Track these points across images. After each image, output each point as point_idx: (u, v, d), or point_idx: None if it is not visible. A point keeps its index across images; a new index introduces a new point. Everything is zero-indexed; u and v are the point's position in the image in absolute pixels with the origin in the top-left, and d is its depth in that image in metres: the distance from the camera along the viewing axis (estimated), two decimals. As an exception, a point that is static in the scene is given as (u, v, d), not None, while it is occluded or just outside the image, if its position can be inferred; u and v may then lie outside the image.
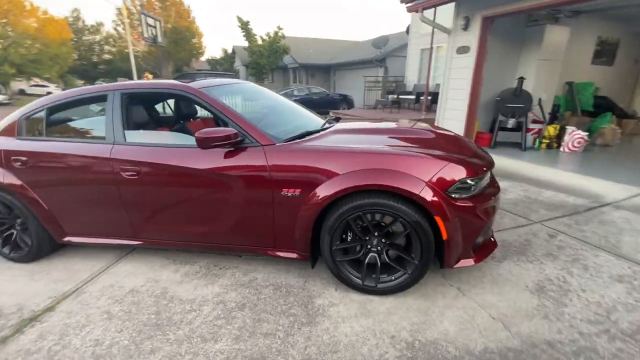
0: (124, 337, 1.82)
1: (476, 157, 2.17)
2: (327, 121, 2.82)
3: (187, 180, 2.14)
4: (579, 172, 4.19)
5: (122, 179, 2.20)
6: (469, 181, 1.90)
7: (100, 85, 2.43)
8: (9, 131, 2.52)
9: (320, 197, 1.90)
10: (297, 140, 2.11)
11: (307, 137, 2.19)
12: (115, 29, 32.17)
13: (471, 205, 1.90)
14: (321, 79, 21.68)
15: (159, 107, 3.55)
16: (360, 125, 2.74)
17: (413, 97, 10.30)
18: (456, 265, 1.99)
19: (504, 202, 3.50)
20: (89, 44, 33.56)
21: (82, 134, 2.60)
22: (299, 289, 2.19)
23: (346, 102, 14.49)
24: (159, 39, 8.91)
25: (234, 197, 2.09)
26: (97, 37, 33.98)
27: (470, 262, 2.01)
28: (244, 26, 18.50)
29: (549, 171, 4.39)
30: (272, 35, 18.71)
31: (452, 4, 5.41)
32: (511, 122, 5.59)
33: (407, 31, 12.29)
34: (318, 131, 2.38)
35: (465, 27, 5.31)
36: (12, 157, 2.41)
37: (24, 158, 2.39)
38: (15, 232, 2.63)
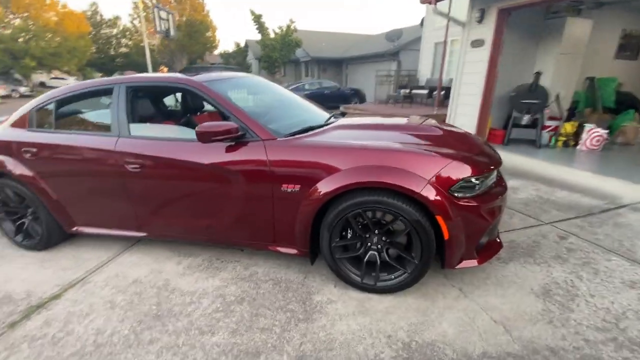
0: (125, 327, 1.86)
1: (483, 155, 2.10)
2: (331, 116, 2.78)
3: (189, 174, 2.16)
4: (596, 172, 4.01)
5: (127, 172, 2.23)
6: (473, 180, 1.84)
7: (107, 79, 2.46)
8: (21, 123, 2.59)
9: (318, 194, 1.88)
10: (298, 136, 2.08)
11: (309, 132, 2.16)
12: (131, 22, 32.68)
13: (475, 204, 1.84)
14: (333, 72, 21.50)
15: (170, 100, 3.59)
16: (364, 120, 2.70)
17: (425, 91, 10.09)
18: (458, 266, 1.94)
19: (514, 202, 3.40)
20: (106, 37, 34.18)
21: (89, 127, 2.64)
22: (299, 284, 2.19)
23: (358, 97, 14.32)
24: (172, 32, 8.98)
25: (234, 192, 2.09)
26: (114, 31, 34.56)
27: (473, 263, 1.96)
28: (257, 19, 18.47)
29: (564, 170, 4.23)
30: (284, 29, 18.62)
31: (467, -4, 5.24)
32: (526, 119, 5.41)
33: (422, 24, 12.01)
34: (321, 126, 2.35)
35: (480, 20, 5.13)
36: (23, 149, 2.47)
37: (34, 149, 2.45)
38: (27, 221, 2.72)
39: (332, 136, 2.11)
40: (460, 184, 1.81)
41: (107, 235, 2.60)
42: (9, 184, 2.57)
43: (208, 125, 1.92)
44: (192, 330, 1.82)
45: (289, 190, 1.97)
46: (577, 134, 5.40)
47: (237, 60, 24.26)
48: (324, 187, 1.87)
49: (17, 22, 21.84)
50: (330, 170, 1.87)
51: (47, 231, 2.64)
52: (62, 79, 26.55)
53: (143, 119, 2.55)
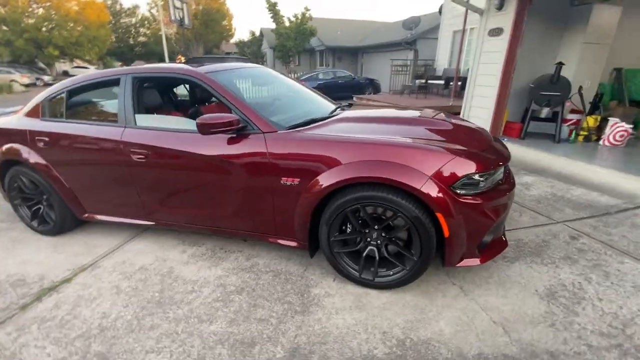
0: (129, 312, 1.93)
1: (490, 151, 2.03)
2: (337, 108, 2.73)
3: (191, 165, 2.18)
4: (617, 169, 3.81)
5: (132, 161, 2.28)
6: (476, 177, 1.78)
7: (114, 69, 2.49)
8: (34, 112, 2.68)
9: (317, 188, 1.87)
10: (299, 128, 2.06)
11: (311, 125, 2.14)
12: (149, 11, 33.05)
13: (479, 202, 1.78)
14: (348, 62, 21.16)
15: (181, 90, 3.62)
16: (369, 113, 2.64)
17: (442, 82, 9.79)
18: (459, 264, 1.90)
19: (526, 199, 3.28)
20: (125, 26, 34.69)
21: (99, 117, 2.71)
22: (298, 277, 2.20)
23: (373, 87, 14.07)
24: (186, 21, 9.01)
25: (236, 184, 2.10)
26: (133, 20, 35.03)
27: (475, 261, 1.91)
28: (272, 8, 18.27)
29: (583, 166, 4.04)
30: (299, 17, 18.37)
31: (487, -19, 4.99)
32: (545, 112, 5.17)
33: (440, 11, 11.59)
34: (325, 118, 2.32)
35: (500, 7, 4.89)
36: (37, 137, 2.56)
37: (46, 138, 2.53)
38: (42, 207, 2.83)
39: (333, 129, 2.08)
40: (463, 181, 1.75)
41: (116, 222, 2.68)
42: (24, 171, 2.68)
43: (208, 117, 1.92)
44: (192, 318, 1.87)
45: (289, 183, 1.96)
46: (599, 129, 5.13)
47: (252, 49, 24.18)
48: (323, 181, 1.85)
49: (40, 11, 22.42)
50: (329, 164, 1.85)
51: (60, 217, 2.75)
52: (85, 67, 27.23)
53: (150, 110, 2.59)
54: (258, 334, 1.74)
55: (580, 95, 5.21)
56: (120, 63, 32.85)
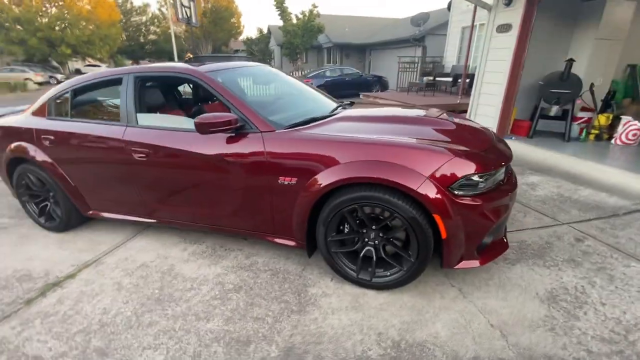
0: (128, 309, 1.96)
1: (492, 151, 1.99)
2: (338, 106, 2.72)
3: (191, 164, 2.19)
4: (628, 169, 3.71)
5: (134, 160, 2.31)
6: (475, 177, 1.75)
7: (117, 69, 2.52)
8: (41, 111, 2.73)
9: (314, 188, 1.86)
10: (297, 128, 2.05)
11: (310, 124, 2.13)
12: (159, 9, 33.36)
13: (478, 203, 1.75)
14: (356, 59, 21.03)
15: (186, 89, 3.65)
16: (370, 112, 2.61)
17: (450, 79, 9.65)
18: (458, 266, 1.88)
19: (532, 199, 3.22)
20: (136, 25, 35.13)
21: (102, 116, 2.75)
22: (296, 276, 2.21)
23: (380, 84, 13.97)
24: (193, 19, 9.07)
25: (234, 183, 2.11)
26: (144, 18, 35.43)
27: (474, 263, 1.89)
28: (279, 5, 18.25)
29: (592, 166, 3.94)
30: (306, 14, 18.30)
31: (496, -24, 4.89)
32: (555, 110, 5.05)
33: (449, 7, 11.41)
34: (325, 117, 2.31)
35: (509, 3, 4.78)
36: (42, 136, 2.61)
37: (52, 137, 2.58)
38: (48, 204, 2.89)
39: (332, 128, 2.07)
40: (461, 182, 1.73)
41: (119, 219, 2.72)
42: (31, 169, 2.74)
43: (206, 116, 1.93)
44: (189, 315, 1.89)
45: (286, 182, 1.96)
46: (611, 127, 5.00)
47: (259, 46, 24.21)
48: (319, 180, 1.85)
49: (53, 10, 22.85)
50: (326, 164, 1.84)
51: (66, 214, 2.80)
52: (97, 65, 27.68)
53: (152, 109, 2.61)
54: (254, 333, 1.75)
55: (592, 92, 5.08)
56: (130, 61, 33.30)
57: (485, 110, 5.46)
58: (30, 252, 2.62)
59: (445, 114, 2.55)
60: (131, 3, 34.53)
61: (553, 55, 5.31)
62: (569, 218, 2.83)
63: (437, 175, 1.71)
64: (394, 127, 2.16)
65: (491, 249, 1.98)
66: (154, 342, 1.71)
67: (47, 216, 2.92)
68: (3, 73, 20.19)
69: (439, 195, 1.70)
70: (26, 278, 2.30)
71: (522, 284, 2.03)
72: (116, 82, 2.48)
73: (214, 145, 2.09)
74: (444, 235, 1.75)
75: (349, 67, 14.85)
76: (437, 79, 10.24)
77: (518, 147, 4.94)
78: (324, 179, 1.83)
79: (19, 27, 21.11)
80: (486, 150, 1.98)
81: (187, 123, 2.41)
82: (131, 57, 34.58)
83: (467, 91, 8.43)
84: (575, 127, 5.12)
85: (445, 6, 12.32)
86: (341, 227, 2.04)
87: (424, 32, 14.16)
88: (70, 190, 2.68)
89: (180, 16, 8.50)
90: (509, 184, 2.03)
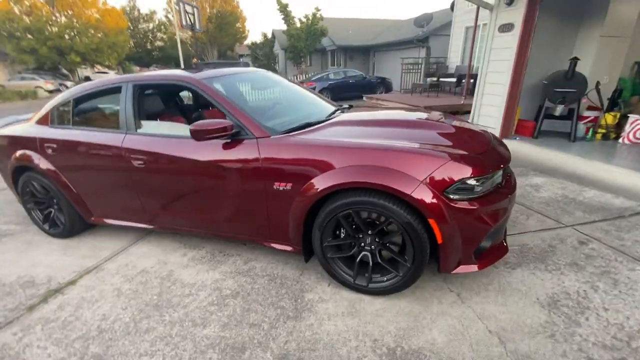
0: (127, 315, 1.98)
1: (490, 154, 1.96)
2: (335, 110, 2.71)
3: (188, 170, 2.21)
4: (636, 169, 3.62)
5: (133, 167, 2.34)
6: (471, 181, 1.72)
7: (116, 77, 2.57)
8: (44, 120, 2.79)
9: (308, 193, 1.86)
10: (292, 133, 2.06)
11: (305, 130, 2.13)
12: (166, 16, 33.83)
13: (474, 207, 1.73)
14: (360, 61, 21.02)
15: (186, 95, 3.69)
16: (367, 116, 2.60)
17: (454, 80, 9.58)
18: (456, 271, 1.85)
19: (535, 201, 3.16)
20: (143, 32, 35.71)
21: (102, 124, 2.79)
22: (293, 281, 2.20)
23: (384, 86, 13.93)
24: (197, 26, 9.18)
25: (231, 189, 2.12)
26: (151, 25, 35.99)
27: (473, 268, 1.86)
28: (283, 9, 18.38)
29: (599, 166, 3.86)
30: (310, 18, 18.38)
31: (497, -24, 4.85)
32: (560, 109, 4.97)
33: (452, 8, 11.34)
34: (321, 122, 2.31)
35: (510, 2, 4.74)
36: (45, 144, 2.66)
37: (54, 145, 2.63)
38: (52, 211, 2.95)
39: (326, 133, 2.06)
40: (457, 186, 1.71)
41: (121, 226, 2.76)
42: (35, 177, 2.79)
43: (201, 123, 1.95)
44: (186, 321, 1.90)
45: (281, 188, 1.96)
46: (619, 126, 4.89)
47: (264, 51, 24.36)
48: (313, 186, 1.85)
49: (63, 20, 23.35)
50: (320, 169, 1.84)
51: (70, 221, 2.85)
52: (106, 72, 28.17)
53: (152, 116, 2.65)
54: (249, 339, 1.75)
55: (598, 91, 4.99)
56: (137, 68, 33.82)
57: (488, 110, 5.41)
58: (34, 259, 2.67)
59: (442, 117, 2.53)
60: (138, 10, 35.15)
61: (557, 54, 5.24)
62: (573, 220, 2.77)
63: (432, 179, 1.69)
64: (389, 130, 2.16)
65: (490, 253, 1.95)
66: (151, 349, 1.72)
67: (51, 223, 2.97)
68: (15, 81, 20.70)
69: (434, 200, 1.68)
70: (29, 284, 2.34)
71: (523, 289, 1.99)
72: (115, 90, 2.52)
73: (211, 152, 2.11)
74: (439, 240, 1.73)
75: (353, 70, 14.85)
76: (441, 79, 10.18)
77: (522, 148, 4.88)
78: (318, 184, 1.83)
79: (29, 36, 21.60)
80: (483, 152, 1.96)
81: (185, 130, 2.43)
82: (139, 64, 35.11)
83: (471, 91, 8.34)
84: (582, 127, 5.03)
85: (448, 6, 12.26)
86: (337, 232, 2.03)
87: (428, 32, 14.10)
88: (73, 197, 2.72)
89: (184, 23, 8.62)
90: (508, 186, 2.00)
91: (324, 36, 19.02)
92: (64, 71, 25.66)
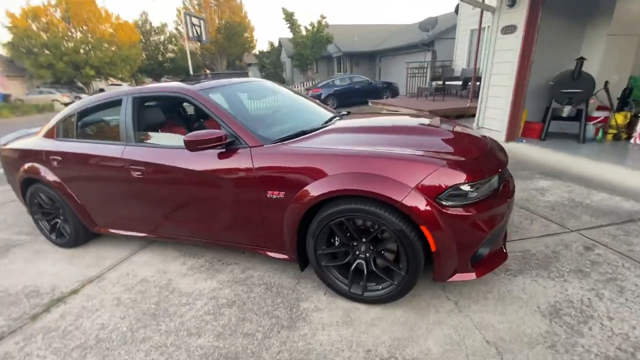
0: (125, 324, 2.00)
1: (486, 159, 1.93)
2: (332, 117, 2.72)
3: (184, 180, 2.25)
4: (648, 170, 3.50)
5: (132, 178, 2.39)
6: (465, 187, 1.69)
7: (117, 91, 2.64)
8: (51, 133, 2.88)
9: (300, 201, 1.86)
10: (285, 142, 2.07)
11: (298, 138, 2.14)
12: (176, 28, 34.70)
13: (469, 213, 1.69)
14: (366, 67, 21.07)
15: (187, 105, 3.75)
16: (363, 122, 2.59)
17: (460, 83, 9.50)
18: (452, 279, 1.81)
19: (539, 205, 3.08)
20: (155, 44, 36.65)
21: (104, 136, 2.87)
22: (289, 290, 2.19)
23: (390, 90, 13.91)
24: (204, 37, 9.40)
25: (226, 198, 2.14)
26: (162, 37, 36.93)
27: (470, 276, 1.82)
28: (289, 18, 18.64)
29: (608, 168, 3.74)
30: (315, 25, 18.58)
31: (498, -22, 4.82)
32: (567, 110, 4.86)
33: (456, 11, 11.30)
34: (315, 130, 2.31)
35: (512, 4, 4.69)
36: (51, 157, 2.75)
37: (59, 157, 2.71)
38: (59, 222, 3.03)
39: (319, 141, 2.07)
40: (450, 192, 1.68)
41: (124, 235, 2.81)
42: (42, 188, 2.88)
43: (195, 134, 1.98)
44: (182, 331, 1.91)
45: (274, 197, 1.97)
46: (630, 126, 4.75)
47: (270, 59, 24.73)
48: (306, 194, 1.84)
49: (78, 35, 24.23)
50: (312, 177, 1.84)
51: (75, 231, 2.92)
52: (119, 84, 29.01)
53: (152, 127, 2.70)
54: (242, 349, 1.75)
55: (607, 90, 4.86)
56: (149, 79, 34.68)
57: (493, 113, 5.33)
58: (40, 268, 2.73)
59: (439, 122, 2.50)
60: (150, 24, 36.15)
61: (564, 54, 5.14)
62: (579, 225, 2.69)
63: (424, 185, 1.67)
64: (383, 137, 2.15)
65: (488, 260, 1.90)
66: (145, 359, 1.74)
67: (57, 233, 3.05)
68: (33, 95, 21.52)
69: (426, 207, 1.65)
70: (34, 294, 2.39)
71: (523, 297, 1.93)
72: (116, 103, 2.59)
73: (206, 162, 2.13)
74: (433, 247, 1.70)
75: (358, 75, 14.89)
76: (447, 83, 10.11)
77: (528, 151, 4.78)
78: (310, 192, 1.82)
79: (47, 52, 22.47)
80: (479, 157, 1.92)
81: (181, 141, 2.47)
82: (151, 75, 35.97)
83: (477, 94, 8.26)
84: (591, 128, 4.90)
85: (453, 10, 12.22)
86: (332, 240, 2.02)
87: (433, 36, 14.06)
88: (77, 208, 2.79)
89: (190, 34, 8.83)
90: (506, 191, 1.95)
91: (329, 43, 19.18)
92: (80, 84, 26.55)
